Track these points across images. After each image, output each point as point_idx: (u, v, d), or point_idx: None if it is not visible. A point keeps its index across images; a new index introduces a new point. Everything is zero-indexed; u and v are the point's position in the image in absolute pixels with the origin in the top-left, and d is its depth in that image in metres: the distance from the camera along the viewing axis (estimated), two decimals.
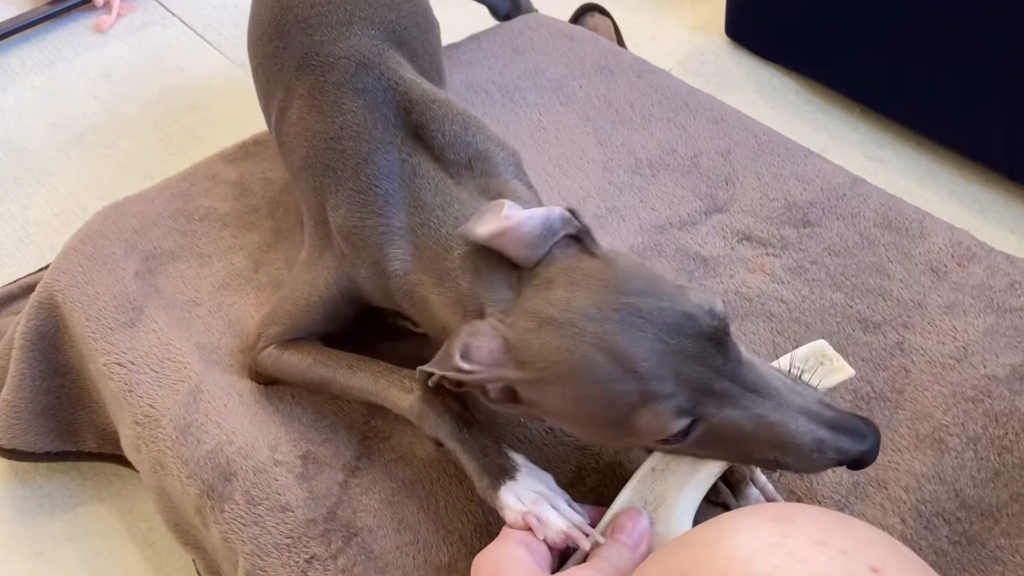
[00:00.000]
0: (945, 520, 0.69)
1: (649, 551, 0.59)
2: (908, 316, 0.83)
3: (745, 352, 0.60)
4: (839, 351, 0.79)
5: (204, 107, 1.60)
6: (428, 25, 0.96)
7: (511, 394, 0.61)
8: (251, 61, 0.96)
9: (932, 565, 0.66)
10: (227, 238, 0.97)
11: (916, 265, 0.87)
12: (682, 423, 0.57)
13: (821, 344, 0.66)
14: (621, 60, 1.16)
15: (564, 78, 1.13)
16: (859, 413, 0.63)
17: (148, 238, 0.97)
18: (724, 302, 0.60)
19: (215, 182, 1.03)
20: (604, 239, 0.92)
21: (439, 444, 0.69)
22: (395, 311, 0.77)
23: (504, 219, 0.64)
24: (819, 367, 0.65)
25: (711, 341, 0.57)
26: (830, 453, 0.57)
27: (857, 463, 0.58)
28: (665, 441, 0.58)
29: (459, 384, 0.62)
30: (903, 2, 1.38)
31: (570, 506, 0.63)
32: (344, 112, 0.78)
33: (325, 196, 0.77)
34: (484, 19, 1.32)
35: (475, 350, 0.60)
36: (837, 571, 0.45)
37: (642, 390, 0.56)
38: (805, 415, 0.57)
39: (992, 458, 0.72)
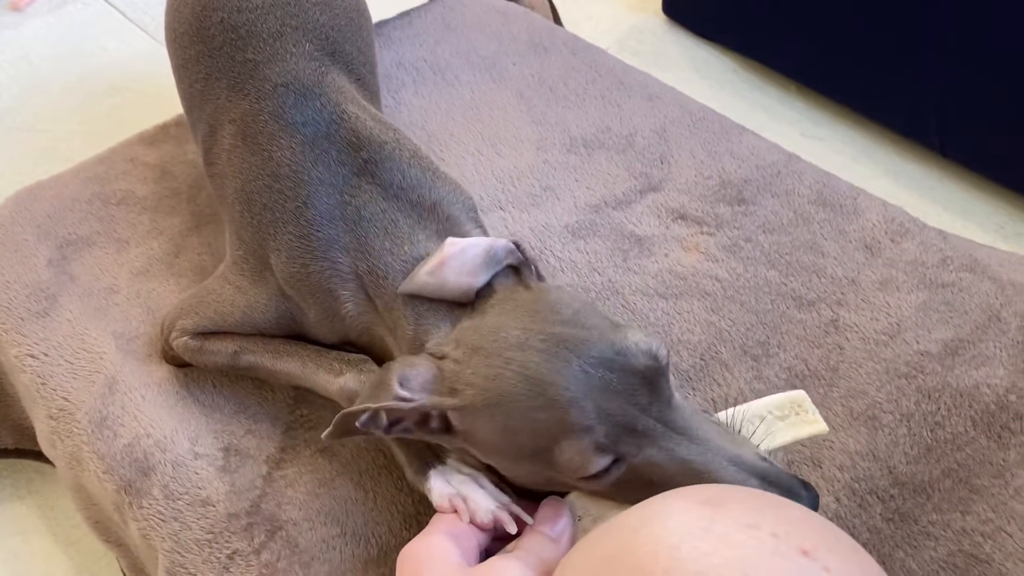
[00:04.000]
0: (879, 498, 0.69)
1: (571, 546, 0.58)
2: (842, 293, 0.82)
3: (679, 398, 0.58)
4: (773, 330, 0.79)
5: (128, 89, 1.54)
6: (362, 19, 0.91)
7: (447, 425, 0.59)
8: (171, 59, 0.89)
9: (866, 543, 0.66)
10: (146, 222, 0.93)
11: (850, 242, 0.87)
12: (603, 461, 0.55)
13: (800, 395, 0.64)
14: (555, 37, 1.13)
15: (497, 55, 1.10)
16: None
17: (62, 224, 0.93)
18: (667, 347, 0.58)
19: (134, 165, 0.99)
20: (539, 219, 0.91)
21: None
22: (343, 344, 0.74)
23: (448, 246, 0.64)
24: (793, 416, 0.63)
25: (640, 379, 0.55)
26: None
27: None
28: (588, 480, 0.56)
29: (393, 423, 0.59)
30: None
31: (499, 488, 0.61)
32: (282, 148, 0.73)
33: (264, 236, 0.72)
34: None
35: (412, 378, 0.59)
36: (767, 555, 0.44)
37: (561, 420, 0.54)
38: (735, 464, 0.55)
39: (925, 434, 0.72)
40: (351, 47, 0.84)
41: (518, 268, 0.65)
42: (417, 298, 0.65)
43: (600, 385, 0.55)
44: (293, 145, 0.73)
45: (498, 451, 0.59)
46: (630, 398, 0.55)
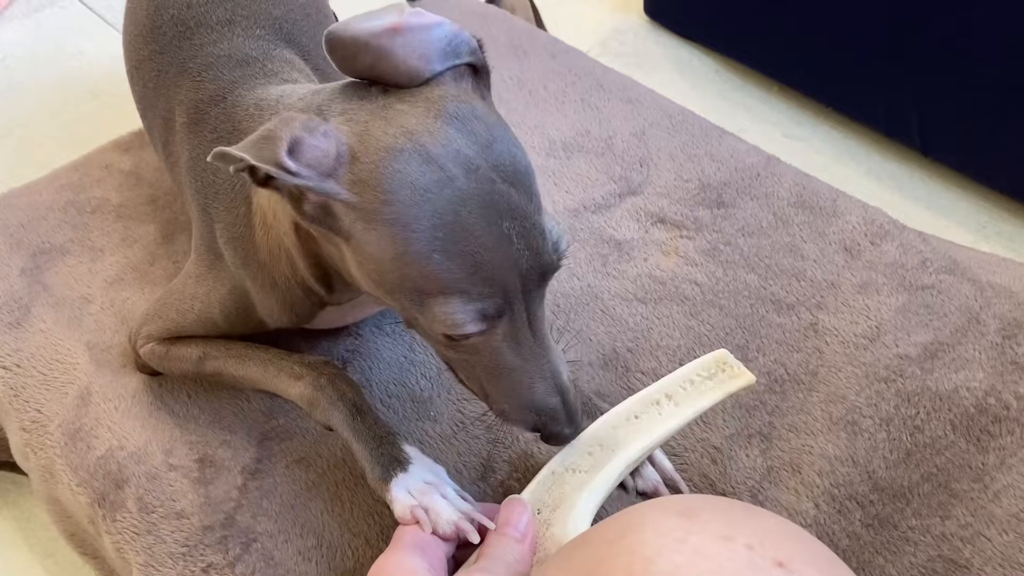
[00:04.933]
0: (858, 503, 0.68)
1: (535, 543, 0.57)
2: (822, 296, 0.82)
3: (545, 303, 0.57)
4: (753, 334, 0.79)
5: (106, 93, 1.52)
6: (320, 16, 0.89)
7: (327, 215, 0.52)
8: (126, 63, 0.88)
9: (846, 549, 0.66)
10: (121, 230, 0.92)
11: (830, 244, 0.86)
12: (474, 328, 0.53)
13: (722, 353, 0.65)
14: (535, 40, 1.13)
15: None
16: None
17: (36, 232, 0.92)
18: (568, 244, 0.56)
19: (108, 172, 0.98)
20: None
21: (331, 430, 0.67)
22: (295, 325, 0.72)
23: (409, 13, 0.53)
24: (720, 374, 0.64)
25: (541, 269, 0.54)
26: (534, 418, 0.57)
27: (552, 439, 0.59)
28: (447, 338, 0.54)
29: (266, 181, 0.50)
30: None
31: (461, 496, 0.60)
32: (221, 107, 0.71)
33: (210, 207, 0.70)
34: None
35: (308, 149, 0.49)
36: (742, 566, 0.44)
37: (462, 280, 0.51)
38: (553, 379, 0.56)
39: (904, 438, 0.71)
40: (308, 40, 0.82)
41: (476, 72, 0.56)
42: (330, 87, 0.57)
43: (515, 257, 0.52)
44: (232, 101, 0.70)
45: (377, 273, 0.53)
46: (524, 281, 0.53)
